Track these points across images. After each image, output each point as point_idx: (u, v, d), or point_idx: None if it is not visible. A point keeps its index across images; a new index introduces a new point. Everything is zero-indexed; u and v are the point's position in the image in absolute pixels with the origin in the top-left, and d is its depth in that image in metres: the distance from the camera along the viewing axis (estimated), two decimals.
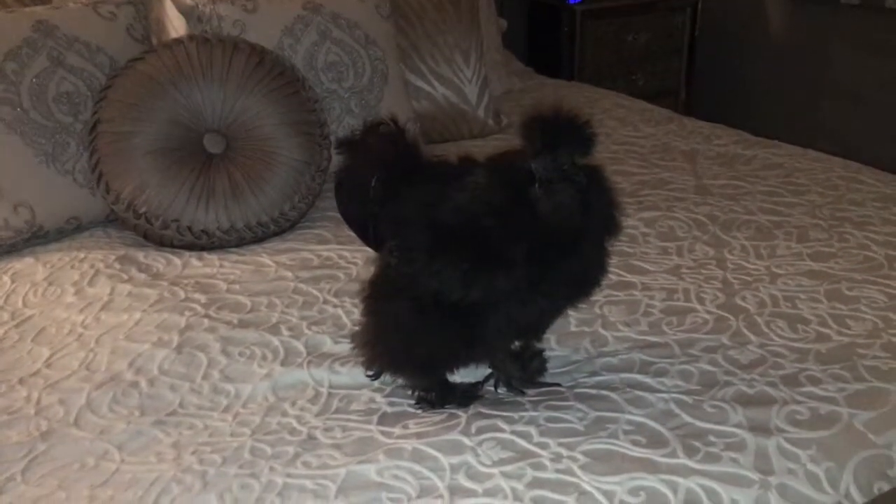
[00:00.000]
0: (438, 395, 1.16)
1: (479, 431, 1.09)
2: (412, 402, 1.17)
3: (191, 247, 1.63)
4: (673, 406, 1.13)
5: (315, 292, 1.46)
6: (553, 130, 0.99)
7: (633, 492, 0.98)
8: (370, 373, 1.21)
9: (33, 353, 1.30)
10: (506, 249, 1.00)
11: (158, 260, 1.59)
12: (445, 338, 1.09)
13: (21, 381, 1.23)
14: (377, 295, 1.14)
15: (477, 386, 1.20)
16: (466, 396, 1.17)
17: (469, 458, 1.04)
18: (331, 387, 1.20)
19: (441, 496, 0.98)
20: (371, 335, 1.16)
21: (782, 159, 2.03)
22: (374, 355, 1.17)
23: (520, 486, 0.98)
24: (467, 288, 1.02)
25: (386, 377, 1.20)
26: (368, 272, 1.17)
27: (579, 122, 1.00)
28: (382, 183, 1.13)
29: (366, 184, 1.14)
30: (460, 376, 1.19)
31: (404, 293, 1.08)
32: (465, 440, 1.07)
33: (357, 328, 1.23)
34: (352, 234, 1.66)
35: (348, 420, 1.13)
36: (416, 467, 1.02)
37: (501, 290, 1.03)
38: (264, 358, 1.27)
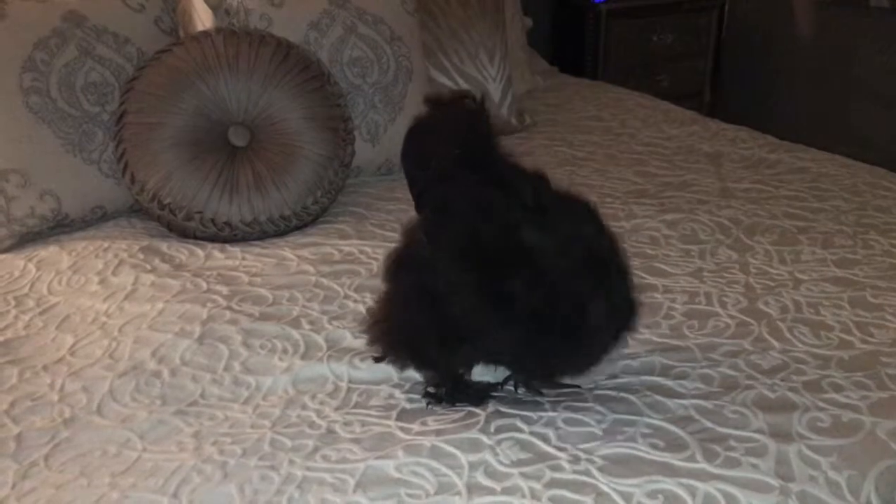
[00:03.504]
0: (449, 391, 1.16)
1: (498, 431, 1.09)
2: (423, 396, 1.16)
3: (213, 239, 1.64)
4: (693, 410, 1.12)
5: (336, 287, 1.46)
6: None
7: (652, 494, 0.98)
8: (376, 354, 1.20)
9: (57, 341, 1.31)
10: (523, 305, 1.00)
11: (181, 251, 1.60)
12: (442, 333, 1.08)
13: (45, 368, 1.24)
14: (397, 265, 1.13)
15: (493, 386, 1.19)
16: (479, 396, 1.17)
17: (488, 456, 1.04)
18: (350, 381, 1.21)
19: (459, 493, 0.98)
20: (381, 312, 1.14)
21: (808, 164, 2.02)
22: (378, 335, 1.15)
23: (538, 486, 0.98)
24: (472, 312, 1.02)
25: (398, 372, 1.19)
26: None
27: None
28: (448, 160, 1.10)
29: (432, 150, 1.12)
30: (478, 374, 1.19)
31: (421, 271, 1.07)
32: (484, 439, 1.07)
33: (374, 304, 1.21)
34: (374, 229, 1.69)
35: (367, 415, 1.13)
36: (435, 464, 1.03)
37: (496, 328, 1.02)
38: (285, 351, 1.27)
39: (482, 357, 1.13)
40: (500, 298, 1.00)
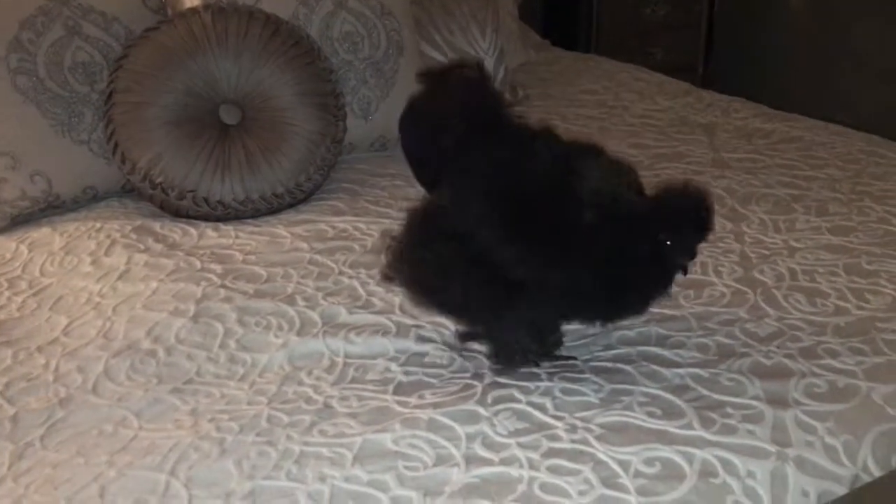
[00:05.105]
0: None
1: (495, 402, 1.09)
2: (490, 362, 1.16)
3: (206, 217, 1.63)
4: (689, 378, 1.12)
5: (330, 263, 1.46)
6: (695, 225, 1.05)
7: (649, 462, 0.98)
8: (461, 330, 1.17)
9: (51, 322, 1.30)
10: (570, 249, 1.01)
11: (174, 230, 1.59)
12: (506, 292, 1.07)
13: (39, 349, 1.24)
14: (422, 236, 1.10)
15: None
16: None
17: (485, 427, 1.04)
18: (346, 357, 1.21)
19: (457, 464, 0.98)
20: (427, 283, 1.12)
21: (802, 133, 2.01)
22: (440, 306, 1.14)
23: (535, 456, 0.99)
24: (521, 265, 1.03)
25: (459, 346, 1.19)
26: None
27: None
28: (460, 132, 1.08)
29: (439, 125, 1.10)
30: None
31: (451, 240, 1.06)
32: (481, 410, 1.07)
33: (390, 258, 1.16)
34: (367, 205, 1.68)
35: (364, 390, 1.13)
36: (432, 436, 1.03)
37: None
38: (280, 328, 1.27)
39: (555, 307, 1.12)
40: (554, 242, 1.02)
